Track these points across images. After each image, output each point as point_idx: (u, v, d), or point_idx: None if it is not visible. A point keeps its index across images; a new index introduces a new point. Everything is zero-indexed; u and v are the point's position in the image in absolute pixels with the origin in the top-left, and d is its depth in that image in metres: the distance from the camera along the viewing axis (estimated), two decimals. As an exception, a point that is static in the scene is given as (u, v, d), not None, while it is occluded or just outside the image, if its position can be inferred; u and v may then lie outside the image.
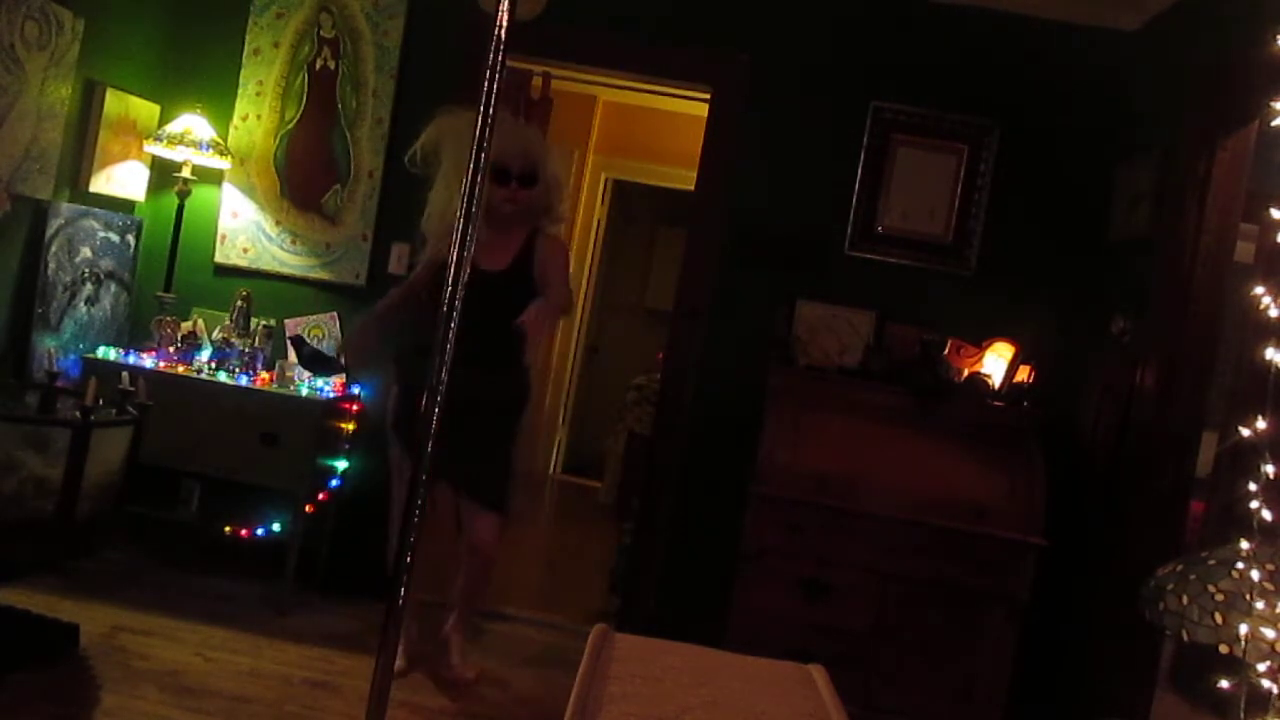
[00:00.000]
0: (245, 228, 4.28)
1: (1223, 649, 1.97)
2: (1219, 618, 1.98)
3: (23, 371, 3.71)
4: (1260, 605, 1.93)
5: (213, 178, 4.25)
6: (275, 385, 3.89)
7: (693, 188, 4.30)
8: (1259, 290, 2.02)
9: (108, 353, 3.90)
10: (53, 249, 3.78)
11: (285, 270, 4.27)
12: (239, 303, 4.08)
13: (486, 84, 1.81)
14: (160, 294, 4.15)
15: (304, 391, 3.87)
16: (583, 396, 7.86)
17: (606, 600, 4.52)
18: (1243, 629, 1.93)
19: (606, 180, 7.44)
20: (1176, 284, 3.21)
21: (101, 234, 4.02)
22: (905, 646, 3.46)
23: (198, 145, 4.04)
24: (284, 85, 4.27)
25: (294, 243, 4.26)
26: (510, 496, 3.55)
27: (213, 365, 3.91)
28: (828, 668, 2.45)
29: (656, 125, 6.70)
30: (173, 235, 4.17)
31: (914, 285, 4.09)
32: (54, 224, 3.78)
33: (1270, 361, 1.96)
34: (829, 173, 4.11)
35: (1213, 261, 3.16)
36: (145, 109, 4.18)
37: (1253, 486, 1.98)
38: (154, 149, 4.11)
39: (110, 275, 4.10)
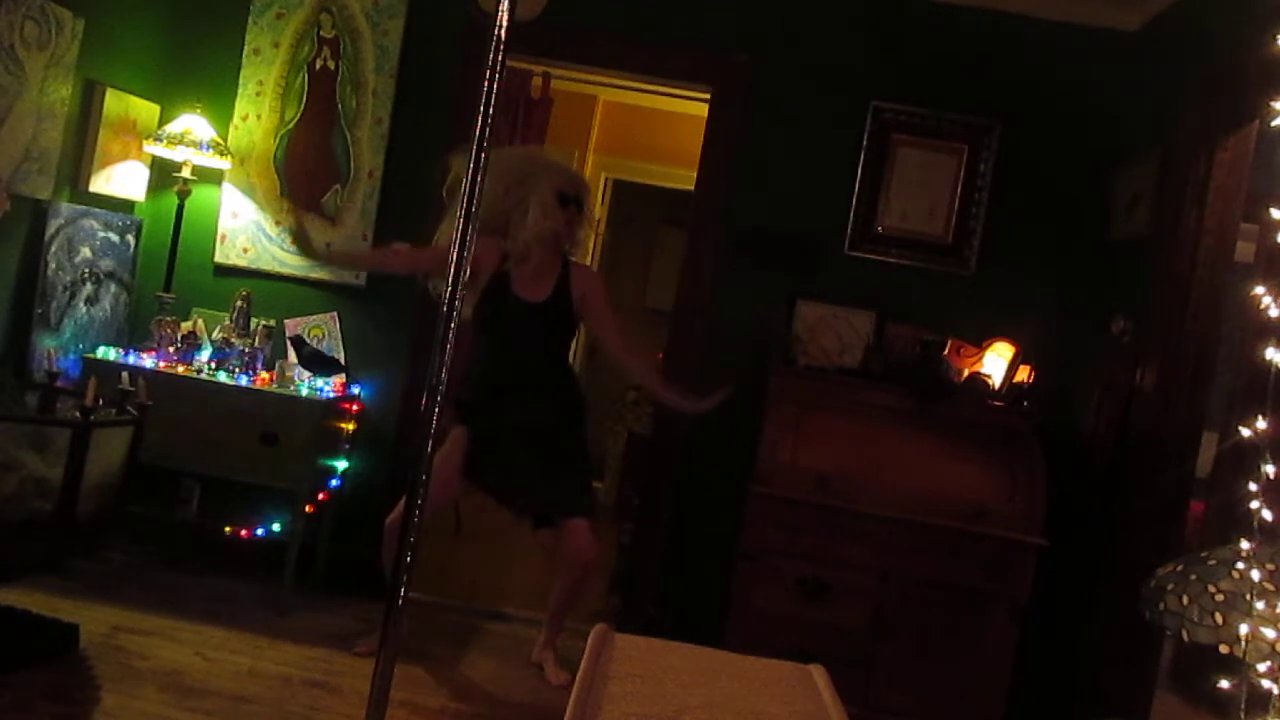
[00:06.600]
0: (245, 228, 4.28)
1: (1223, 649, 1.97)
2: (1219, 618, 1.98)
3: (23, 371, 3.71)
4: (1260, 605, 1.93)
5: (213, 178, 4.25)
6: (275, 385, 3.89)
7: (693, 188, 4.30)
8: (1259, 290, 2.02)
9: (108, 353, 3.90)
10: (53, 249, 3.78)
11: (285, 270, 4.26)
12: (239, 303, 4.08)
13: (486, 84, 1.80)
14: (160, 294, 4.15)
15: (304, 391, 3.87)
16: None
17: (606, 600, 4.51)
18: (1243, 629, 1.93)
19: (606, 180, 7.43)
20: (1176, 284, 3.21)
21: (101, 234, 4.02)
22: (905, 646, 3.46)
23: (198, 145, 4.04)
24: (284, 85, 4.27)
25: (294, 243, 4.25)
26: (590, 499, 3.68)
27: (213, 365, 3.91)
28: (828, 668, 2.45)
29: (656, 125, 6.69)
30: (173, 235, 4.17)
31: (914, 285, 4.09)
32: (54, 224, 3.78)
33: (1270, 361, 1.95)
34: (829, 173, 4.11)
35: (1213, 261, 3.16)
36: (145, 109, 4.18)
37: (1253, 486, 1.98)
38: (154, 149, 4.11)
39: (110, 275, 4.10)
